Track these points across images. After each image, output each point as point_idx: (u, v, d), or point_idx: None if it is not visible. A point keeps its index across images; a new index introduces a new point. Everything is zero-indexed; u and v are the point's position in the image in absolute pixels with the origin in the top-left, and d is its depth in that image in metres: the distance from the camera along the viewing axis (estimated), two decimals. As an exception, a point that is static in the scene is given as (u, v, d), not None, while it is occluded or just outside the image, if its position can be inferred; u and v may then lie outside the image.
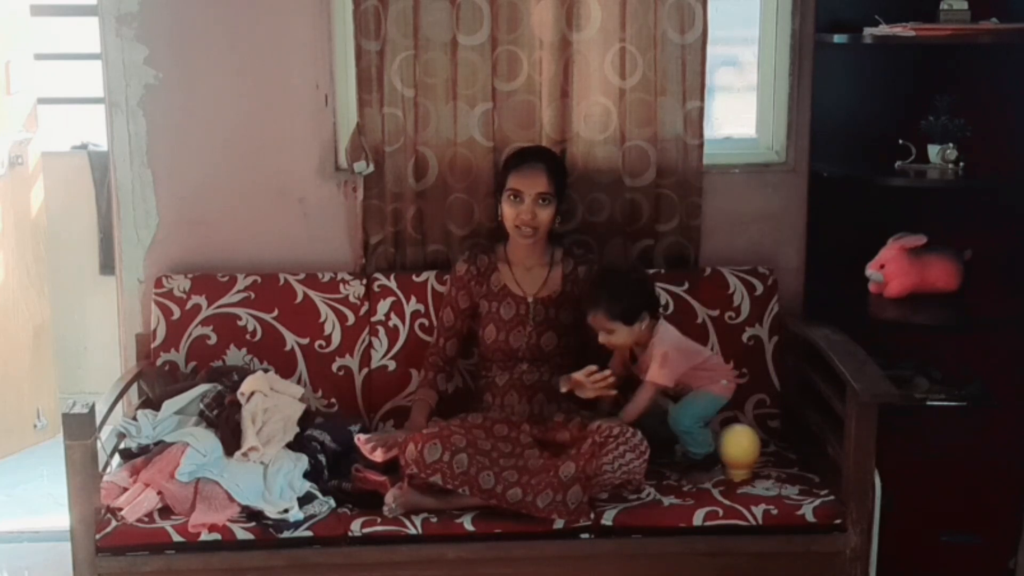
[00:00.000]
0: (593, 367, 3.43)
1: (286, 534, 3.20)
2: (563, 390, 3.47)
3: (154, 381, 3.72)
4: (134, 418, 3.52)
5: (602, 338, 3.49)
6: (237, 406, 3.47)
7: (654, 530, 3.28)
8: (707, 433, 3.52)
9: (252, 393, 3.48)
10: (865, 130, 3.82)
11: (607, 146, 3.84)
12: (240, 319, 3.78)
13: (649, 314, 3.49)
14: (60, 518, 3.42)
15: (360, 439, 3.42)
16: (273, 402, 3.49)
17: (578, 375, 3.42)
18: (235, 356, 3.76)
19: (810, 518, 3.29)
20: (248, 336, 3.77)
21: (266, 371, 3.69)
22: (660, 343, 3.48)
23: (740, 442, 3.48)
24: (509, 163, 3.63)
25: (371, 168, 3.83)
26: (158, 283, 3.81)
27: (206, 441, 3.37)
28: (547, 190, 3.54)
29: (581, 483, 3.21)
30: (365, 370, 3.80)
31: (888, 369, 3.48)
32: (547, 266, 3.66)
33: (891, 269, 3.74)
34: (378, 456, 3.36)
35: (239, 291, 3.79)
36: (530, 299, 3.62)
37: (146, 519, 3.24)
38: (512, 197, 3.55)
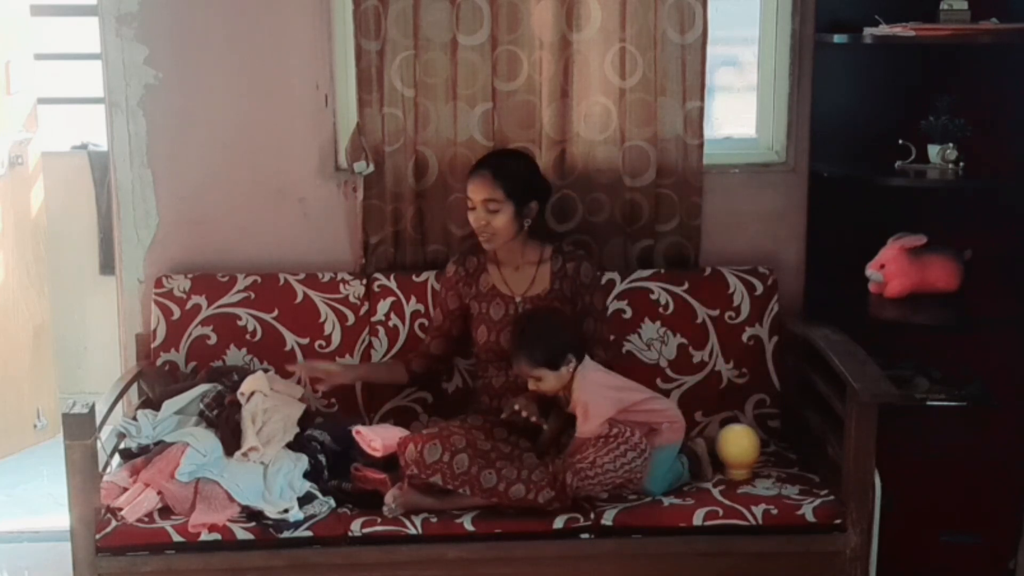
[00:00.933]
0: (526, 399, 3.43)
1: (286, 534, 3.20)
2: (504, 416, 3.46)
3: (154, 381, 3.72)
4: (134, 418, 3.52)
5: (531, 385, 3.42)
6: (237, 406, 3.47)
7: (654, 530, 3.28)
8: (676, 467, 3.42)
9: (252, 393, 3.48)
10: (865, 130, 3.82)
11: (607, 146, 3.84)
12: (240, 319, 3.78)
13: (575, 356, 3.41)
14: (60, 518, 3.42)
15: (359, 431, 3.42)
16: (273, 402, 3.49)
17: (523, 403, 3.41)
18: (235, 356, 3.76)
19: (810, 518, 3.29)
20: (248, 336, 3.77)
21: (266, 371, 3.70)
22: (580, 393, 3.39)
23: (740, 442, 3.48)
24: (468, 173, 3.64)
25: (371, 168, 3.83)
26: (158, 283, 3.81)
27: (206, 441, 3.37)
28: (491, 196, 3.51)
29: (579, 478, 3.24)
30: (365, 370, 3.80)
31: (888, 369, 3.48)
32: (535, 264, 3.65)
33: (891, 269, 3.74)
34: (376, 446, 3.36)
35: (239, 291, 3.79)
36: (518, 298, 3.62)
37: (146, 519, 3.24)
38: (469, 205, 3.56)
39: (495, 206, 3.52)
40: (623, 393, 3.44)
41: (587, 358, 3.46)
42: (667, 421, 3.43)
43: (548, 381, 3.41)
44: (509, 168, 3.58)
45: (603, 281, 3.76)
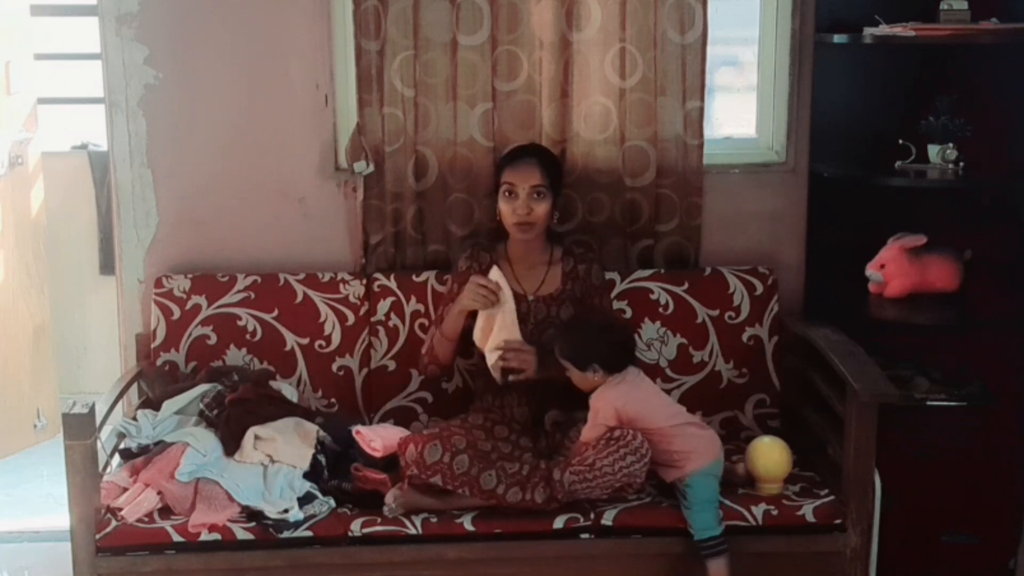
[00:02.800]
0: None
1: (286, 534, 3.20)
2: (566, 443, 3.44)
3: (154, 381, 3.72)
4: (134, 418, 3.53)
5: (568, 372, 3.43)
6: (249, 403, 3.42)
7: (654, 530, 3.28)
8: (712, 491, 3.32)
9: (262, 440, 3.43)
10: (865, 130, 3.82)
11: (607, 146, 3.84)
12: (240, 319, 3.78)
13: (602, 367, 3.35)
14: (60, 518, 3.42)
15: (359, 431, 3.42)
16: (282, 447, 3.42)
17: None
18: (235, 356, 3.76)
19: (810, 518, 3.29)
20: (248, 336, 3.77)
21: (267, 371, 3.70)
22: (594, 399, 3.34)
23: (770, 455, 3.40)
24: (502, 161, 3.64)
25: (371, 168, 3.83)
26: (158, 283, 3.81)
27: (206, 441, 3.37)
28: (540, 183, 3.53)
29: (576, 480, 3.22)
30: (365, 370, 3.80)
31: (888, 369, 3.48)
32: (546, 264, 3.65)
33: (891, 269, 3.74)
34: (376, 446, 3.36)
35: (239, 291, 3.79)
36: (530, 297, 3.62)
37: (146, 519, 3.24)
38: (507, 193, 3.55)
39: (543, 192, 3.53)
40: (647, 412, 3.33)
41: (629, 372, 3.38)
42: (694, 448, 3.31)
43: (574, 374, 3.40)
44: (550, 158, 3.63)
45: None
